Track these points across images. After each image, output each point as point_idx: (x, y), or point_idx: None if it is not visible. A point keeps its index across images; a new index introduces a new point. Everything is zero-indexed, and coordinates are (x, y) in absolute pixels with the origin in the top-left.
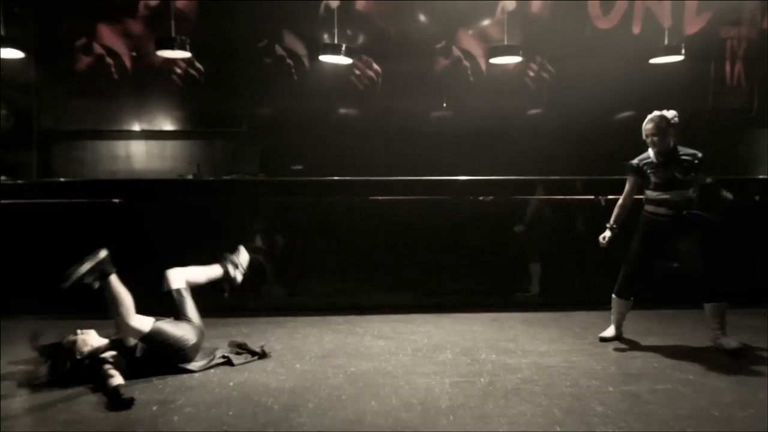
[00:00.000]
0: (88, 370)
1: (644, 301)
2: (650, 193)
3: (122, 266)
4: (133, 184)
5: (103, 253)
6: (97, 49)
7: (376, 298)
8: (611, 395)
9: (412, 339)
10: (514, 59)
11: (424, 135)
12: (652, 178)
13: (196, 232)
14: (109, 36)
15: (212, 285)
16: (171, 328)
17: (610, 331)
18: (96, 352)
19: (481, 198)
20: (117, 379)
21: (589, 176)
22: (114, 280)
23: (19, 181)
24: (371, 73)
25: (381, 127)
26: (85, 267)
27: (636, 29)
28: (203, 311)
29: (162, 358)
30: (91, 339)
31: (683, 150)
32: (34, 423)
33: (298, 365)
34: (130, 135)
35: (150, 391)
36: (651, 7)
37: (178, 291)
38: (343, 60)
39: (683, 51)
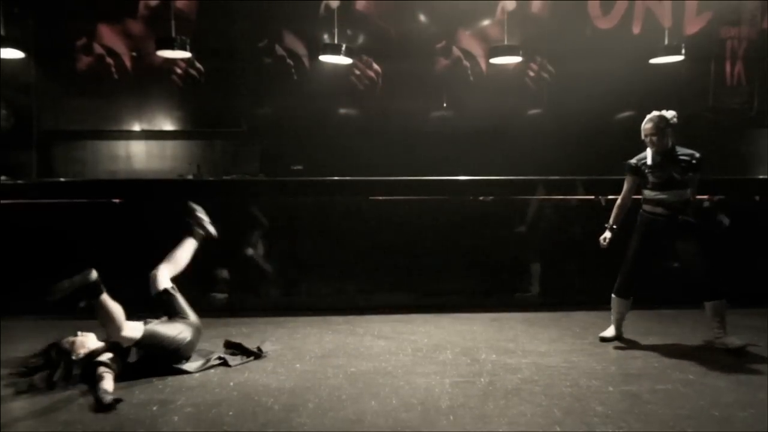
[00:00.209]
0: (83, 372)
1: (644, 301)
2: (648, 193)
3: (122, 266)
4: (133, 184)
5: (93, 275)
6: (97, 49)
7: (376, 298)
8: (611, 395)
9: (412, 339)
10: (514, 59)
11: (424, 135)
12: (650, 178)
13: None
14: (109, 36)
15: (212, 285)
16: (163, 328)
17: (610, 331)
18: (93, 355)
19: (481, 198)
20: (106, 382)
21: (589, 176)
22: (104, 299)
23: (19, 181)
24: (371, 73)
25: (381, 127)
26: (74, 286)
27: (636, 29)
28: (203, 311)
29: (159, 358)
30: (89, 341)
31: (681, 150)
32: (34, 423)
33: (298, 365)
34: (130, 135)
35: (150, 391)
36: (651, 7)
37: (166, 291)
38: (343, 60)
39: (683, 51)
